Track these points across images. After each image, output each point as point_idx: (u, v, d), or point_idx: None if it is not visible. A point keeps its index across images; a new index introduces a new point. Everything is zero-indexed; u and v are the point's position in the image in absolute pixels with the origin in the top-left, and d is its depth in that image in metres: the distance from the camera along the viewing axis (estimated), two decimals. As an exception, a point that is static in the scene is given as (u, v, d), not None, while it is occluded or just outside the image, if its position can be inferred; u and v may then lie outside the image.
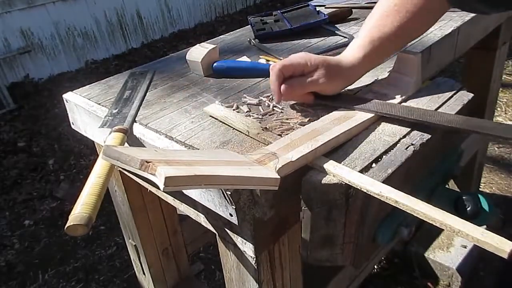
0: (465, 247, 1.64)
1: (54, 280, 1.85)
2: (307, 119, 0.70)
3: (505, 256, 0.43)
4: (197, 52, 0.91)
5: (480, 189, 2.05)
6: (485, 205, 0.69)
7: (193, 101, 0.80)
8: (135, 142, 0.73)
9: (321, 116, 0.70)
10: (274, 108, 0.74)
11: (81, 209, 0.54)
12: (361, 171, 0.56)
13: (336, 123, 0.65)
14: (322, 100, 0.73)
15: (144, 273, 1.14)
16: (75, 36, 3.94)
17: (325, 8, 1.28)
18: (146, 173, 0.45)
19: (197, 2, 4.90)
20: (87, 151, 2.71)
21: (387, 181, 0.55)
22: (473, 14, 1.09)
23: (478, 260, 1.69)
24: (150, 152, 0.51)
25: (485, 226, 0.48)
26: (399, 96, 0.73)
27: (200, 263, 1.85)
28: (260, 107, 0.75)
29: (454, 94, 0.74)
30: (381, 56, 0.74)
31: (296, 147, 0.59)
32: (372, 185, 0.53)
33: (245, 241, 0.64)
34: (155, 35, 4.56)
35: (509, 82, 3.16)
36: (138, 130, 0.73)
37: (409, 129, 0.65)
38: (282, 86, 0.69)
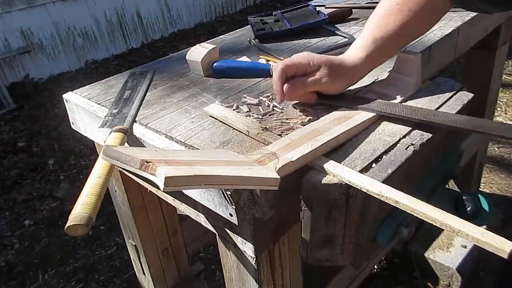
0: (465, 247, 1.64)
1: (54, 280, 1.85)
2: (307, 119, 0.70)
3: (505, 256, 0.43)
4: (197, 52, 0.91)
5: (480, 189, 2.05)
6: (485, 205, 0.69)
7: (193, 101, 0.80)
8: (135, 142, 0.73)
9: (321, 116, 0.70)
10: (274, 108, 0.74)
11: (81, 209, 0.54)
12: (361, 171, 0.56)
13: (336, 123, 0.65)
14: (325, 100, 0.73)
15: (144, 273, 1.14)
16: (75, 36, 3.94)
17: (325, 8, 1.28)
18: (146, 173, 0.45)
19: (197, 2, 4.90)
20: (87, 151, 2.71)
21: (387, 181, 0.55)
22: (473, 14, 1.09)
23: (478, 260, 1.69)
24: (150, 152, 0.51)
25: (485, 226, 0.48)
26: (399, 96, 0.73)
27: (200, 263, 1.85)
28: (260, 107, 0.75)
29: (454, 94, 0.74)
30: (383, 55, 0.74)
31: (296, 147, 0.59)
32: (372, 185, 0.53)
33: (245, 241, 0.64)
34: (155, 35, 4.56)
35: (509, 82, 3.16)
36: (138, 130, 0.73)
37: (409, 129, 0.65)
38: (285, 86, 0.69)
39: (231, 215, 0.59)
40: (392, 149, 0.61)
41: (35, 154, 2.76)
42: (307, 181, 0.57)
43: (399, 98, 0.73)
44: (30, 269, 1.92)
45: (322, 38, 1.07)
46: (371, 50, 0.72)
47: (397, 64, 0.77)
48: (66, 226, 0.52)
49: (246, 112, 0.73)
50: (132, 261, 1.16)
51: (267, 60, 0.95)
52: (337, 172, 0.56)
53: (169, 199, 0.79)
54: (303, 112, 0.73)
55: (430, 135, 0.64)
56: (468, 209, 0.69)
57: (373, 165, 0.58)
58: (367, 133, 0.65)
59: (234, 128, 0.69)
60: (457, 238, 1.67)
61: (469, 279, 1.62)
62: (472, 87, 1.26)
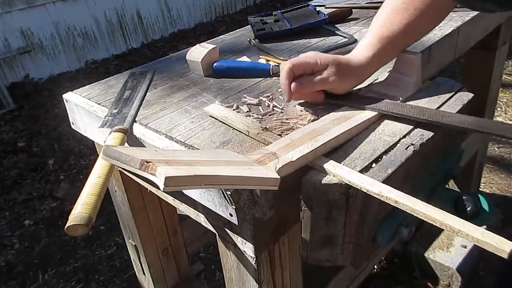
0: (465, 247, 1.64)
1: (54, 280, 1.85)
2: (307, 119, 0.70)
3: (505, 256, 0.43)
4: (197, 52, 0.91)
5: (480, 189, 2.05)
6: (485, 205, 0.69)
7: (193, 101, 0.80)
8: (135, 142, 0.73)
9: (321, 116, 0.70)
10: (274, 108, 0.74)
11: (81, 209, 0.54)
12: (361, 171, 0.56)
13: (336, 123, 0.65)
14: (332, 99, 0.73)
15: (144, 273, 1.14)
16: (75, 36, 3.94)
17: (325, 8, 1.28)
18: (146, 173, 0.45)
19: (197, 2, 4.90)
20: (87, 151, 2.71)
21: (387, 181, 0.55)
22: (473, 14, 1.09)
23: (478, 260, 1.69)
24: (150, 152, 0.51)
25: (485, 226, 0.48)
26: (399, 96, 0.73)
27: (200, 263, 1.85)
28: (260, 107, 0.75)
29: (454, 94, 0.74)
30: (390, 54, 0.74)
31: (296, 147, 0.59)
32: (372, 185, 0.53)
33: (245, 241, 0.64)
34: (155, 35, 4.56)
35: (509, 82, 3.16)
36: (138, 130, 0.73)
37: (409, 129, 0.65)
38: (292, 84, 0.69)
39: (231, 215, 0.59)
40: (392, 149, 0.61)
41: (35, 154, 2.76)
42: (307, 181, 0.57)
43: (399, 98, 0.73)
44: (30, 269, 1.92)
45: (322, 38, 1.07)
46: (377, 49, 0.72)
47: (397, 64, 0.77)
48: (66, 226, 0.52)
49: (246, 112, 0.73)
50: (132, 261, 1.16)
51: (267, 60, 0.95)
52: (337, 172, 0.56)
53: (169, 199, 0.79)
54: (303, 112, 0.73)
55: (430, 135, 0.64)
56: (468, 209, 0.69)
57: (373, 165, 0.58)
58: (367, 133, 0.65)
59: (234, 128, 0.69)
60: (457, 238, 1.67)
61: (469, 279, 1.62)
62: (472, 87, 1.26)
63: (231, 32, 1.21)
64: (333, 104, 0.73)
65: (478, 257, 1.68)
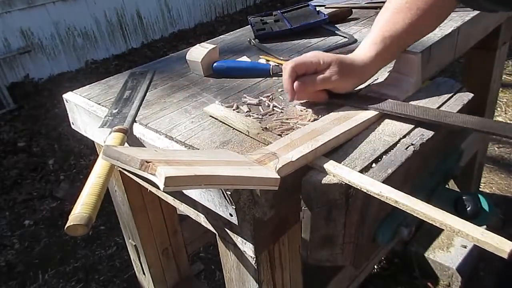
0: (465, 247, 1.64)
1: (54, 280, 1.85)
2: (307, 119, 0.70)
3: (505, 256, 0.43)
4: (197, 52, 0.91)
5: (480, 189, 2.05)
6: (485, 205, 0.69)
7: (193, 101, 0.80)
8: (135, 142, 0.73)
9: (321, 116, 0.70)
10: (274, 108, 0.74)
11: (81, 209, 0.54)
12: (361, 171, 0.56)
13: (336, 123, 0.65)
14: (335, 99, 0.73)
15: (144, 273, 1.14)
16: (75, 36, 3.94)
17: (325, 8, 1.28)
18: (146, 173, 0.45)
19: (197, 2, 4.90)
20: (87, 151, 2.71)
21: (387, 181, 0.55)
22: (473, 14, 1.09)
23: (478, 260, 1.69)
24: (150, 152, 0.51)
25: (485, 226, 0.48)
26: (399, 96, 0.73)
27: (200, 263, 1.85)
28: (260, 107, 0.75)
29: (454, 94, 0.74)
30: (393, 53, 0.75)
31: (296, 147, 0.59)
32: (372, 185, 0.53)
33: (245, 241, 0.64)
34: (155, 35, 4.56)
35: (509, 82, 3.16)
36: (138, 130, 0.73)
37: (409, 129, 0.65)
38: (295, 84, 0.69)
39: (231, 215, 0.59)
40: (392, 149, 0.61)
41: (35, 154, 2.76)
42: (307, 181, 0.57)
43: (399, 98, 0.73)
44: (30, 269, 1.92)
45: (322, 38, 1.07)
46: (380, 49, 0.72)
47: (397, 64, 0.77)
48: (66, 226, 0.52)
49: (246, 112, 0.73)
50: (132, 261, 1.16)
51: (267, 60, 0.95)
52: (337, 172, 0.56)
53: (169, 199, 0.79)
54: (303, 112, 0.73)
55: (430, 135, 0.64)
56: (468, 209, 0.69)
57: (373, 165, 0.58)
58: (367, 133, 0.65)
59: (234, 128, 0.69)
60: (457, 238, 1.67)
61: (469, 279, 1.62)
62: (472, 87, 1.26)
63: (231, 32, 1.21)
64: (333, 104, 0.73)
65: (478, 257, 1.68)
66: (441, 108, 0.70)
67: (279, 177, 0.53)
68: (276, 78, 0.87)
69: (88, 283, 1.82)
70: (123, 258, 1.91)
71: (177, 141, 0.67)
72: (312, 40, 1.07)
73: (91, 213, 0.54)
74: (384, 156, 0.60)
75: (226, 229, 0.68)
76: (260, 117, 0.72)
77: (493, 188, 2.15)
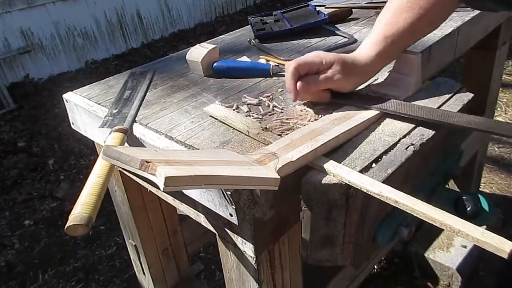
0: (465, 247, 1.64)
1: (54, 280, 1.85)
2: (307, 119, 0.70)
3: (505, 256, 0.43)
4: (197, 52, 0.91)
5: (480, 189, 2.05)
6: (485, 205, 0.69)
7: (193, 101, 0.80)
8: (135, 142, 0.73)
9: (321, 116, 0.70)
10: (274, 108, 0.74)
11: (81, 209, 0.54)
12: (361, 171, 0.56)
13: (336, 123, 0.65)
14: (337, 99, 0.73)
15: (144, 273, 1.14)
16: (75, 36, 3.94)
17: (325, 8, 1.28)
18: (146, 173, 0.45)
19: (197, 2, 4.90)
20: (87, 151, 2.71)
21: (387, 181, 0.55)
22: (473, 14, 1.09)
23: (478, 260, 1.69)
24: (150, 152, 0.51)
25: (485, 226, 0.48)
26: (400, 96, 0.73)
27: (200, 263, 1.85)
28: (260, 107, 0.75)
29: (454, 94, 0.74)
30: (394, 52, 0.75)
31: (296, 147, 0.59)
32: (372, 185, 0.53)
33: (245, 241, 0.64)
34: (155, 35, 4.56)
35: (509, 82, 3.16)
36: (138, 130, 0.73)
37: (409, 129, 0.65)
38: (298, 83, 0.69)
39: (231, 215, 0.59)
40: (392, 149, 0.61)
41: (35, 154, 2.76)
42: (307, 181, 0.57)
43: (399, 98, 0.73)
44: (30, 269, 1.92)
45: (322, 38, 1.07)
46: (382, 48, 0.72)
47: (397, 64, 0.77)
48: (66, 226, 0.52)
49: (246, 112, 0.73)
50: (132, 261, 1.16)
51: (267, 60, 0.95)
52: (337, 172, 0.56)
53: (169, 199, 0.79)
54: (303, 112, 0.73)
55: (430, 135, 0.64)
56: (468, 209, 0.69)
57: (373, 165, 0.58)
58: (367, 133, 0.65)
59: (234, 128, 0.69)
60: (457, 238, 1.67)
61: (469, 279, 1.62)
62: (472, 87, 1.26)
63: (231, 32, 1.21)
64: (333, 104, 0.73)
65: (478, 257, 1.68)
66: (441, 108, 0.70)
67: (279, 177, 0.53)
68: (276, 78, 0.88)
69: (88, 283, 1.82)
70: (123, 258, 1.91)
71: (177, 141, 0.67)
72: (312, 40, 1.07)
73: (91, 213, 0.54)
74: (384, 156, 0.60)
75: (226, 229, 0.68)
76: (260, 117, 0.72)
77: (493, 188, 2.15)
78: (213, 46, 0.92)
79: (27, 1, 3.53)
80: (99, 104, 0.83)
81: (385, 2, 0.76)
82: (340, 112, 0.70)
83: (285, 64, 0.91)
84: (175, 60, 1.03)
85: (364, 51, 0.73)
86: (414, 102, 0.72)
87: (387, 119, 0.69)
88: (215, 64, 0.91)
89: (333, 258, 0.63)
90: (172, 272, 1.17)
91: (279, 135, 0.65)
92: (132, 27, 4.35)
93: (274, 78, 0.88)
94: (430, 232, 1.71)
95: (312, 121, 0.69)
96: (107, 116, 0.78)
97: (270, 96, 0.79)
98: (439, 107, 0.70)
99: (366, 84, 0.78)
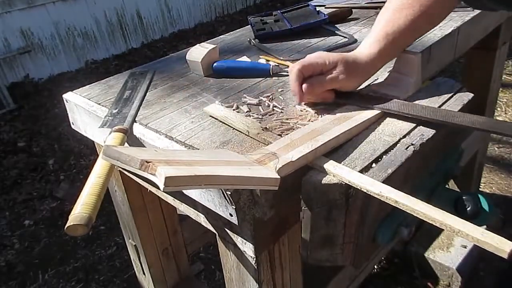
0: (465, 247, 1.64)
1: (54, 280, 1.85)
2: (307, 119, 0.70)
3: (505, 256, 0.43)
4: (197, 52, 0.91)
5: (480, 189, 2.05)
6: (485, 205, 0.69)
7: (193, 101, 0.80)
8: (135, 142, 0.73)
9: (321, 116, 0.70)
10: (274, 108, 0.74)
11: (81, 209, 0.54)
12: (361, 171, 0.56)
13: (336, 123, 0.65)
14: (341, 99, 0.73)
15: (144, 273, 1.14)
16: (75, 36, 3.94)
17: (325, 8, 1.28)
18: (146, 173, 0.45)
19: (197, 2, 4.90)
20: (87, 151, 2.71)
21: (387, 181, 0.55)
22: (473, 14, 1.09)
23: (478, 260, 1.69)
24: (150, 152, 0.51)
25: (485, 226, 0.48)
26: (400, 96, 0.73)
27: (200, 263, 1.85)
28: (260, 107, 0.75)
29: (454, 94, 0.74)
30: (395, 50, 0.75)
31: (296, 147, 0.59)
32: (372, 185, 0.53)
33: (245, 241, 0.64)
34: (155, 35, 4.56)
35: (509, 82, 3.16)
36: (138, 130, 0.73)
37: (409, 129, 0.65)
38: (304, 85, 0.69)
39: (231, 215, 0.59)
40: (392, 149, 0.61)
41: (35, 154, 2.76)
42: (307, 181, 0.57)
43: (399, 98, 0.72)
44: (30, 269, 1.92)
45: (322, 38, 1.07)
46: (383, 45, 0.72)
47: (397, 64, 0.77)
48: (66, 226, 0.52)
49: (246, 112, 0.73)
50: (132, 261, 1.16)
51: (267, 60, 0.95)
52: (337, 172, 0.56)
53: (169, 199, 0.79)
54: (303, 112, 0.73)
55: (430, 135, 0.64)
56: (468, 209, 0.69)
57: (373, 165, 0.58)
58: (367, 133, 0.65)
59: (234, 128, 0.69)
60: (457, 238, 1.67)
61: (469, 279, 1.62)
62: (472, 87, 1.26)
63: (231, 32, 1.21)
64: (333, 104, 0.73)
65: (478, 257, 1.67)
66: (442, 108, 0.70)
67: (279, 177, 0.53)
68: (276, 78, 0.88)
69: (88, 283, 1.82)
70: (123, 258, 1.91)
71: (177, 141, 0.67)
72: (312, 40, 1.07)
73: (91, 213, 0.54)
74: (384, 156, 0.60)
75: (226, 229, 0.68)
76: (260, 117, 0.72)
77: (493, 188, 2.15)
78: (213, 46, 0.92)
79: (27, 1, 3.53)
80: (99, 104, 0.83)
81: (385, 2, 0.76)
82: (340, 112, 0.70)
83: (285, 64, 0.91)
84: (175, 60, 1.03)
85: (366, 49, 0.73)
86: (415, 102, 0.72)
87: (387, 119, 0.69)
88: (215, 64, 0.91)
89: (333, 258, 0.63)
90: (172, 272, 1.17)
91: (279, 135, 0.65)
92: (132, 27, 4.35)
93: (274, 78, 0.88)
94: (430, 232, 1.71)
95: (312, 121, 0.69)
96: (107, 116, 0.78)
97: (270, 96, 0.79)
98: (439, 107, 0.70)
99: (366, 84, 0.78)
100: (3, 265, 1.94)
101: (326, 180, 0.56)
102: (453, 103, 0.72)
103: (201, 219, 0.73)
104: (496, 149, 2.44)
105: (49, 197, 2.37)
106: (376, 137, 0.64)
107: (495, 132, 0.64)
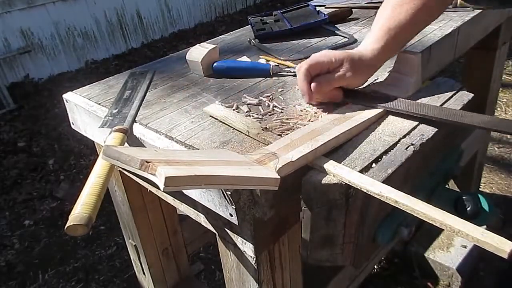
0: (465, 247, 1.64)
1: (54, 280, 1.85)
2: (307, 119, 0.70)
3: (505, 256, 0.43)
4: (197, 52, 0.91)
5: (480, 189, 2.05)
6: (485, 205, 0.69)
7: (193, 101, 0.80)
8: (135, 142, 0.73)
9: (321, 116, 0.70)
10: (274, 108, 0.74)
11: (81, 209, 0.54)
12: (361, 171, 0.56)
13: (336, 123, 0.65)
14: (348, 98, 0.73)
15: (144, 273, 1.14)
16: (75, 36, 3.94)
17: (325, 8, 1.28)
18: (146, 173, 0.45)
19: (197, 2, 4.90)
20: (87, 151, 2.70)
21: (387, 181, 0.55)
22: (473, 14, 1.09)
23: (478, 260, 1.69)
24: (150, 152, 0.51)
25: (485, 226, 0.48)
26: (400, 96, 0.73)
27: (200, 263, 1.85)
28: (260, 107, 0.75)
29: (454, 94, 0.74)
30: (397, 45, 0.75)
31: (296, 147, 0.59)
32: (372, 185, 0.53)
33: (245, 241, 0.64)
34: (155, 35, 4.56)
35: (509, 82, 3.16)
36: (138, 130, 0.73)
37: (409, 129, 0.65)
38: (312, 85, 0.70)
39: (231, 215, 0.59)
40: (392, 149, 0.61)
41: (35, 154, 2.76)
42: (307, 181, 0.57)
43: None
44: (30, 269, 1.92)
45: (322, 38, 1.07)
46: (385, 41, 0.73)
47: (397, 64, 0.77)
48: (66, 226, 0.52)
49: (246, 112, 0.73)
50: (132, 261, 1.16)
51: (267, 60, 0.95)
52: (337, 172, 0.56)
53: (169, 199, 0.79)
54: (303, 112, 0.73)
55: (430, 135, 0.64)
56: (468, 209, 0.69)
57: (373, 165, 0.58)
58: (367, 133, 0.65)
59: (234, 128, 0.69)
60: (457, 238, 1.67)
61: (469, 279, 1.62)
62: (472, 87, 1.26)
63: (231, 32, 1.21)
64: (334, 103, 0.73)
65: (478, 257, 1.67)
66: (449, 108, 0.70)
67: (279, 177, 0.53)
68: (276, 78, 0.88)
69: (88, 283, 1.82)
70: (123, 258, 1.91)
71: (177, 141, 0.67)
72: (312, 40, 1.07)
73: (91, 213, 0.54)
74: (384, 156, 0.60)
75: (226, 229, 0.68)
76: (260, 117, 0.72)
77: (493, 188, 2.15)
78: (213, 46, 0.92)
79: (27, 1, 3.53)
80: (99, 104, 0.83)
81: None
82: (340, 112, 0.70)
83: (285, 64, 0.91)
84: (175, 60, 1.03)
85: (369, 46, 0.74)
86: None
87: (387, 119, 0.69)
88: (215, 64, 0.91)
89: (333, 258, 0.63)
90: (172, 272, 1.17)
91: (279, 135, 0.65)
92: (132, 27, 4.35)
93: (274, 78, 0.88)
94: (430, 232, 1.71)
95: (312, 121, 0.69)
96: (107, 116, 0.78)
97: (270, 96, 0.79)
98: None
99: (366, 84, 0.78)
100: (3, 265, 1.94)
101: (326, 180, 0.56)
102: (453, 103, 0.72)
103: (201, 219, 0.73)
104: (496, 149, 2.44)
105: (49, 197, 2.37)
106: (376, 137, 0.64)
107: (499, 131, 0.64)
